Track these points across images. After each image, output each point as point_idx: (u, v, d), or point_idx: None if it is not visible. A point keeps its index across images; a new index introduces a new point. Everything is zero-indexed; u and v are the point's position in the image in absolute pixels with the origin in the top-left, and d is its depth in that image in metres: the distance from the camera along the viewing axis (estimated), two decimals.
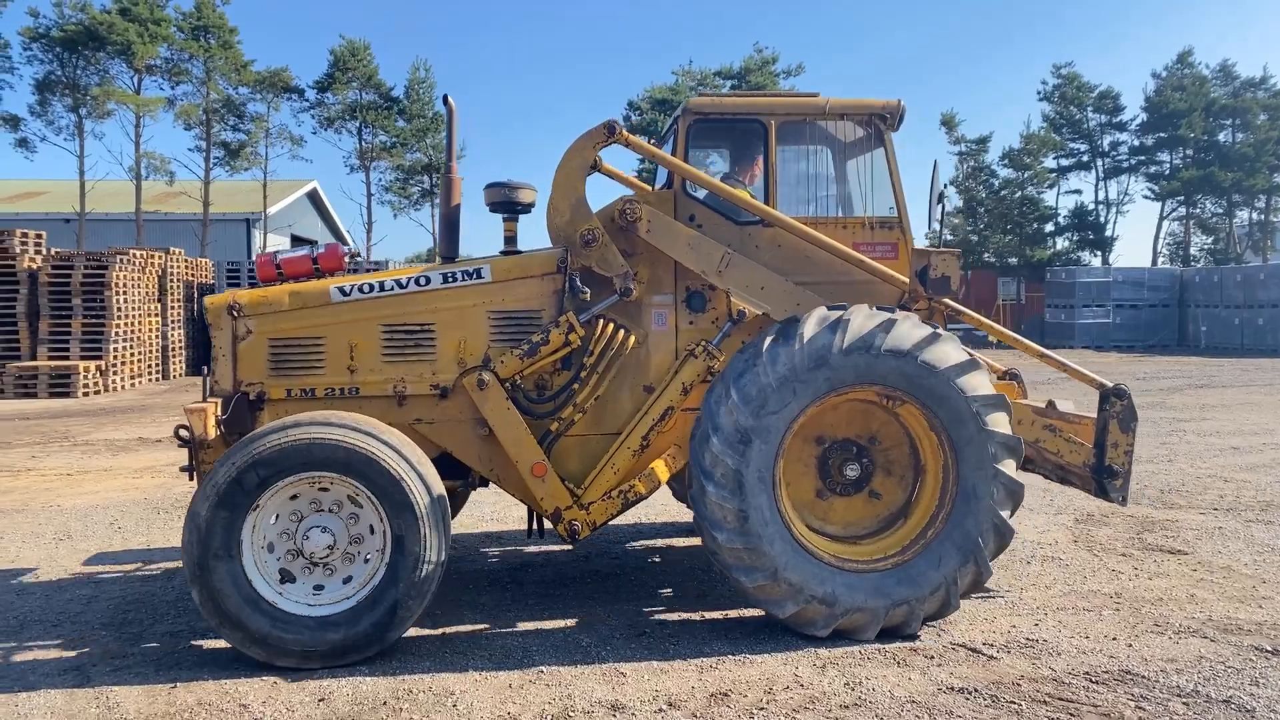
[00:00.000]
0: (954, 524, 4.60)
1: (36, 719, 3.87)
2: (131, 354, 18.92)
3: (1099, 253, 37.83)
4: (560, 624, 4.92)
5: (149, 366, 19.92)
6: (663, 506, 7.35)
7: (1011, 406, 4.74)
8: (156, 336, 20.41)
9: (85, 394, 17.13)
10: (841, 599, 4.51)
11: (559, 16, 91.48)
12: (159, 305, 20.52)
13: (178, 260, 21.48)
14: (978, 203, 37.58)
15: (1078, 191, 39.99)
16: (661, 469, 4.98)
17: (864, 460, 4.87)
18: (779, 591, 4.49)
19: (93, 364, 17.67)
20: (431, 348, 4.98)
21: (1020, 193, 37.31)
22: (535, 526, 5.32)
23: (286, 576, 4.45)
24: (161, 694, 4.08)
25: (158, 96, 34.77)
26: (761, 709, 3.88)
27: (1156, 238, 39.97)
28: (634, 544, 6.57)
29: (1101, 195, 38.65)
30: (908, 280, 5.08)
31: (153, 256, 20.36)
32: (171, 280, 21.00)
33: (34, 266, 18.18)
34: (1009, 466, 4.62)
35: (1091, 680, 4.14)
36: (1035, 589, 5.44)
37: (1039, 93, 39.15)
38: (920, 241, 5.42)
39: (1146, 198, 39.72)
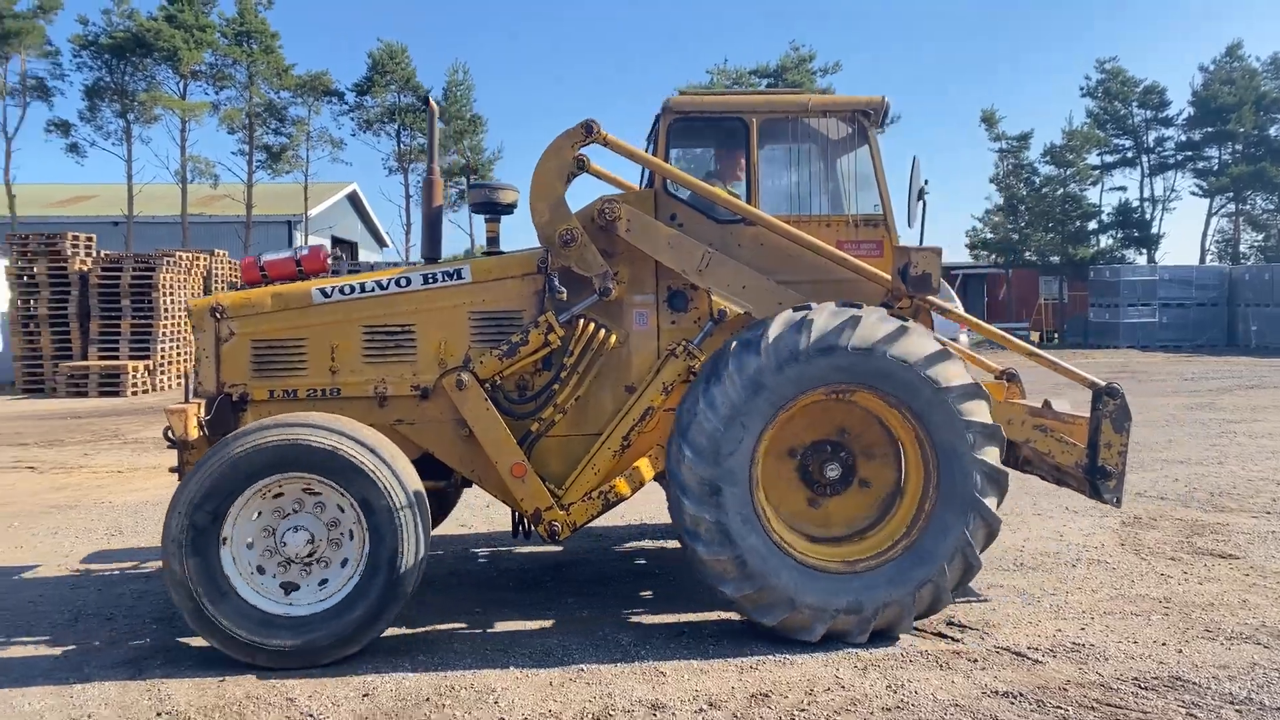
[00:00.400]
0: (938, 517, 4.54)
1: (92, 709, 3.97)
2: (178, 354, 19.32)
3: (1144, 251, 37.05)
4: (599, 622, 4.94)
5: None
6: None
7: (990, 397, 4.68)
8: None
9: (134, 393, 17.53)
10: (866, 603, 4.49)
11: (592, 15, 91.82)
12: None
13: (222, 262, 21.88)
14: (1018, 200, 37.00)
15: (1122, 188, 39.10)
16: (646, 469, 4.97)
17: (842, 455, 4.82)
18: (802, 619, 4.47)
19: (141, 363, 18.07)
20: (412, 349, 4.99)
21: (1062, 190, 36.66)
22: (520, 526, 5.28)
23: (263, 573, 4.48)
24: (211, 687, 4.17)
25: (202, 101, 35.45)
26: (803, 710, 3.86)
27: (1205, 235, 39.04)
28: (670, 543, 6.58)
29: (1147, 192, 37.87)
30: (890, 278, 4.98)
31: (198, 258, 20.77)
32: (216, 281, 21.40)
33: (84, 268, 18.63)
34: (990, 455, 4.54)
35: (1140, 686, 4.06)
36: (1081, 593, 5.35)
37: (1082, 88, 38.42)
38: (933, 242, 5.32)
39: (1194, 194, 38.60)
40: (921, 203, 5.31)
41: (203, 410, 4.74)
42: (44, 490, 8.66)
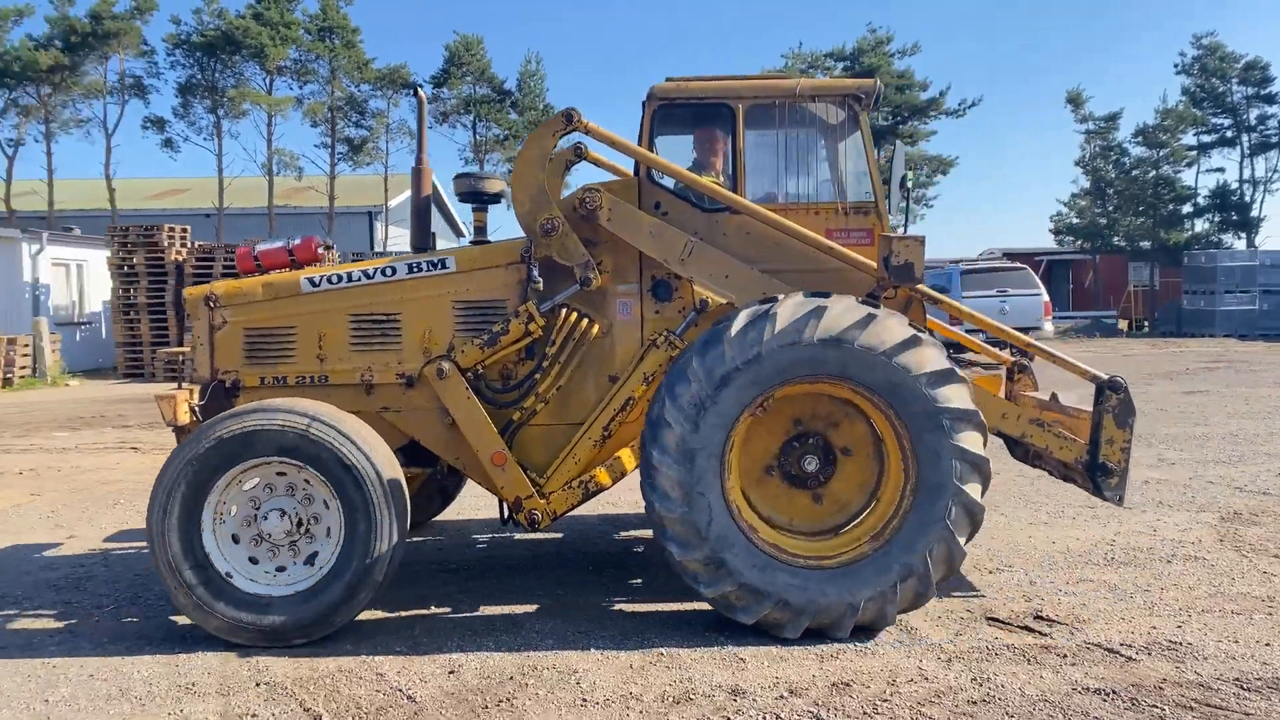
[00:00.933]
0: (918, 508, 4.39)
1: (196, 677, 4.17)
2: None
3: (1243, 235, 35.30)
4: (678, 607, 4.97)
5: None
6: None
7: (968, 382, 4.50)
8: None
9: None
10: (848, 597, 4.39)
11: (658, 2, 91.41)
12: None
13: None
14: (1106, 184, 35.62)
15: (1220, 170, 37.30)
16: (627, 459, 4.93)
17: (825, 448, 4.69)
18: (782, 615, 4.40)
19: None
20: (397, 337, 5.05)
21: (1155, 172, 35.17)
22: (505, 514, 5.24)
23: (251, 554, 4.59)
24: (306, 662, 4.33)
25: (287, 96, 36.55)
26: (885, 701, 3.82)
27: None
28: None
29: (1247, 173, 36.04)
30: (878, 267, 4.79)
31: None
32: None
33: (180, 259, 19.44)
34: (969, 440, 4.37)
35: (1242, 687, 3.91)
36: (1177, 589, 5.16)
37: (1176, 65, 36.69)
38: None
39: None
40: (904, 192, 5.23)
41: (195, 396, 4.95)
42: (147, 470, 9.08)
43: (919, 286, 4.80)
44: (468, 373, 4.97)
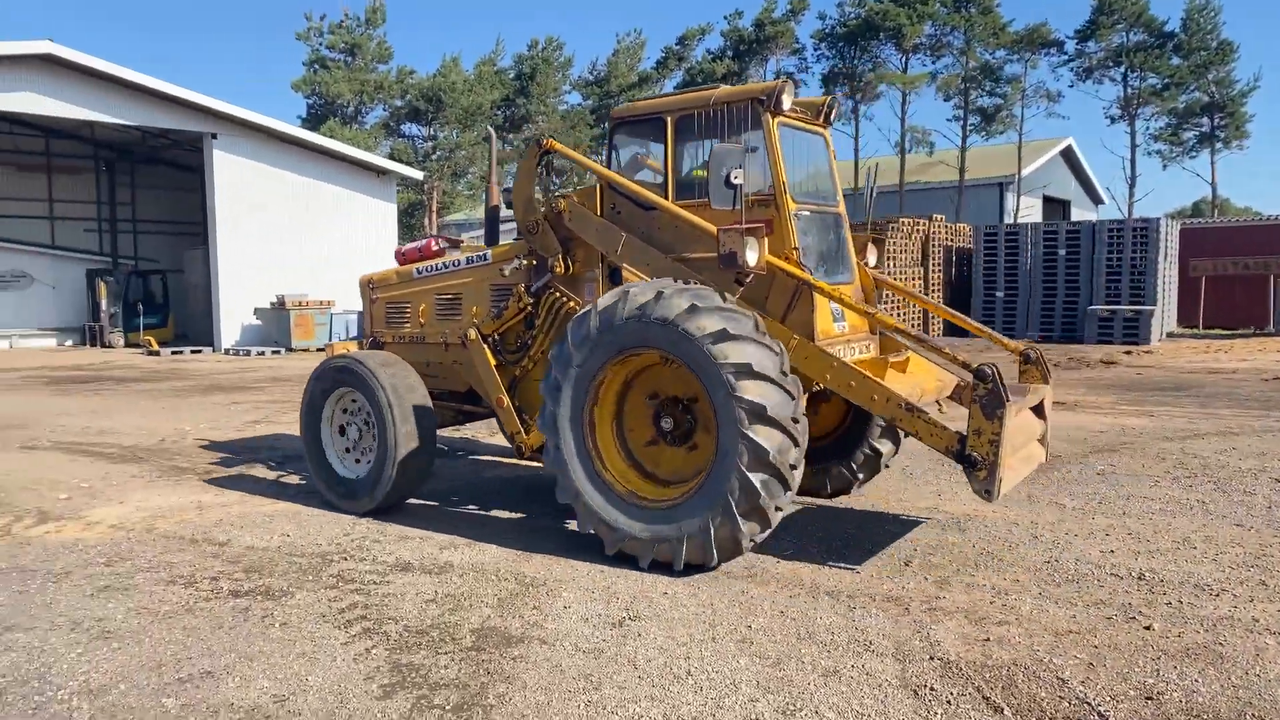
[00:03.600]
0: (721, 456, 4.82)
1: (872, 636, 4.28)
2: (899, 315, 20.57)
3: None
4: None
5: (912, 326, 21.46)
6: None
7: (747, 337, 4.82)
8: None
9: None
10: (678, 535, 4.97)
11: None
12: (921, 270, 21.88)
13: (940, 226, 22.58)
14: None
15: None
16: None
17: (682, 414, 5.36)
18: (634, 547, 5.17)
19: None
20: (459, 310, 6.90)
21: None
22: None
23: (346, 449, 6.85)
24: (979, 647, 4.16)
25: (921, 73, 37.03)
26: None
27: None
28: None
29: None
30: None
31: (917, 224, 21.78)
32: (933, 245, 22.18)
33: None
34: (749, 390, 4.71)
35: None
36: None
37: None
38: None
39: None
40: (871, 195, 6.57)
41: (357, 348, 7.08)
42: None
43: (799, 274, 5.31)
44: (488, 338, 6.51)
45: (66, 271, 27.73)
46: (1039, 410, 5.75)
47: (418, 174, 31.28)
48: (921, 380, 5.93)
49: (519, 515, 6.55)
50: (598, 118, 45.71)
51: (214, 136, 23.31)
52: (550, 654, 4.13)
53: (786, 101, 5.57)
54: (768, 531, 5.00)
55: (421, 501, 6.93)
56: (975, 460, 4.76)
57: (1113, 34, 36.16)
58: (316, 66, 43.10)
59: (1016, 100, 36.82)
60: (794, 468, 4.84)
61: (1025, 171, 34.72)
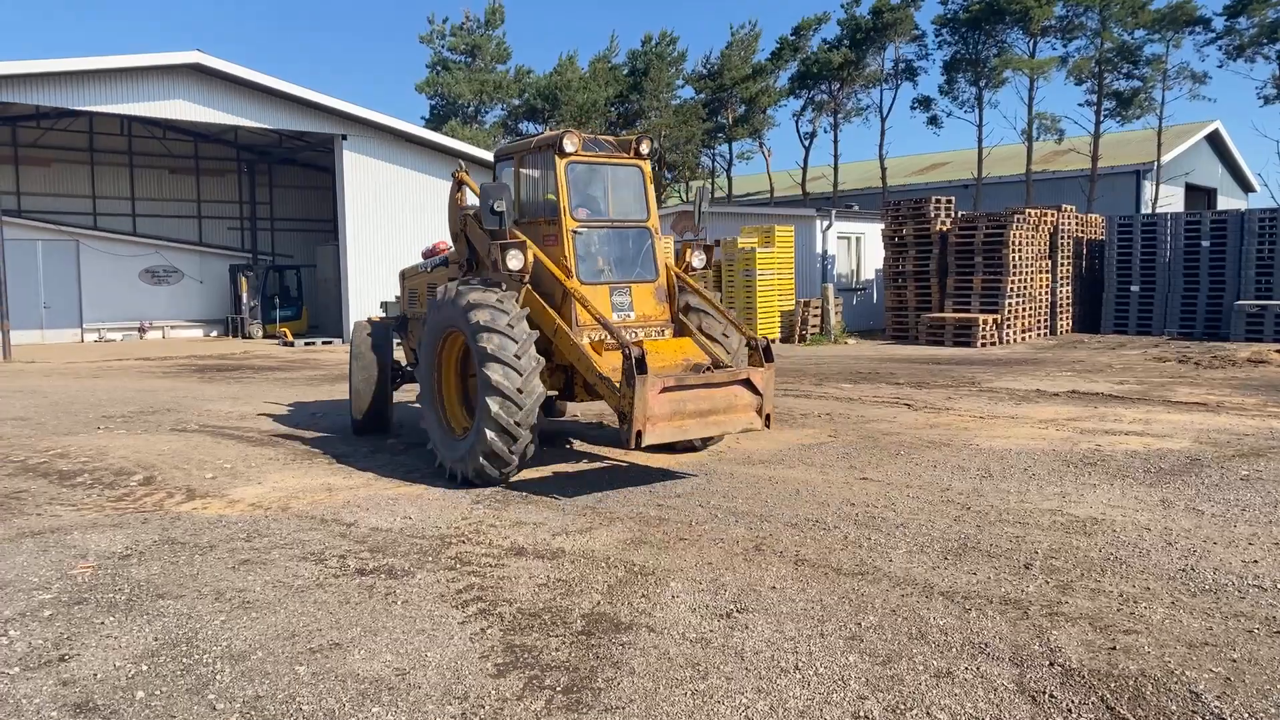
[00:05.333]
0: (480, 394, 6.85)
1: (987, 638, 4.16)
2: (1024, 309, 19.76)
3: None
4: None
5: (1038, 321, 20.55)
6: None
7: (496, 313, 6.91)
8: (1046, 292, 20.89)
9: (982, 344, 18.56)
10: (465, 459, 7.12)
11: None
12: (1049, 262, 20.92)
13: (1069, 217, 21.52)
14: None
15: None
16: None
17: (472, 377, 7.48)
18: (450, 468, 7.39)
19: (990, 317, 19.00)
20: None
21: None
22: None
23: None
24: (1104, 656, 3.99)
25: (1050, 57, 35.24)
26: None
27: None
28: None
29: None
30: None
31: (1045, 214, 20.80)
32: (1061, 237, 21.15)
33: (944, 229, 20.34)
34: (483, 340, 6.78)
35: None
36: None
37: None
38: None
39: None
40: (699, 214, 8.83)
41: (396, 325, 9.98)
42: (921, 426, 9.70)
43: (561, 278, 7.40)
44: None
45: (212, 267, 29.56)
46: (749, 385, 6.97)
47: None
48: (690, 353, 7.39)
49: (627, 505, 6.64)
50: (709, 111, 45.52)
51: (344, 138, 24.40)
52: (658, 642, 4.19)
53: (569, 146, 7.46)
54: (509, 468, 6.99)
55: (533, 491, 7.12)
56: (623, 415, 6.46)
57: (1268, 8, 33.51)
58: (439, 68, 44.49)
59: (1156, 83, 34.58)
60: (519, 425, 6.71)
61: (1166, 158, 32.60)
